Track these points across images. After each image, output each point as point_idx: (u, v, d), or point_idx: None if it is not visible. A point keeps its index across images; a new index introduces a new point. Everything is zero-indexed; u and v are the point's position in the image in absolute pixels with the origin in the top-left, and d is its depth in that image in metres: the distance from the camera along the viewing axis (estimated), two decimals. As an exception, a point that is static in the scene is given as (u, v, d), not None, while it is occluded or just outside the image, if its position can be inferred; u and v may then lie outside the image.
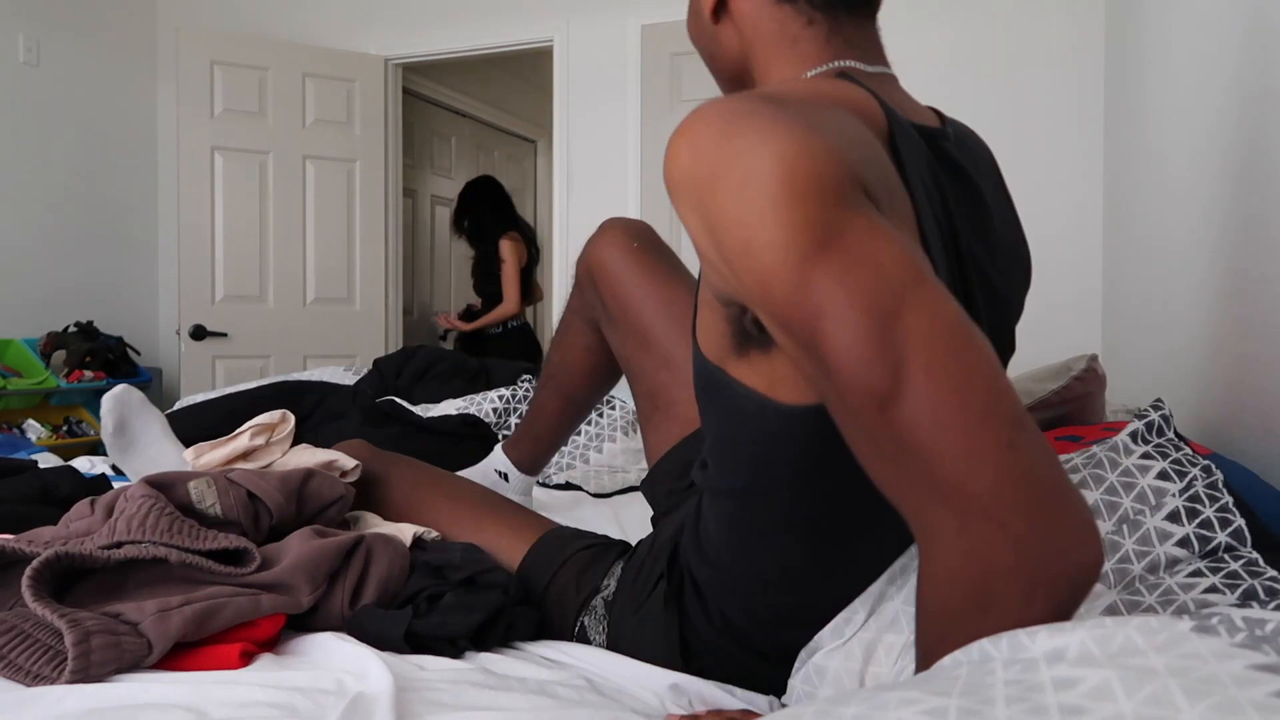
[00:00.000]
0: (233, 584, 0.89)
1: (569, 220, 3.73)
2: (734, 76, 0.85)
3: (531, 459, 1.50)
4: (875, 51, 0.82)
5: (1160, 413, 0.88)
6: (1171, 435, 0.86)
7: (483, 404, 2.04)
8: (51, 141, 3.78)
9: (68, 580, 0.86)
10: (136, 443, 1.41)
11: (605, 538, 1.07)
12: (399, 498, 1.20)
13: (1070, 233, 3.01)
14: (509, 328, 4.22)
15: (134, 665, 0.78)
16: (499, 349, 4.08)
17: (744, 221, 0.57)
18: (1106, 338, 2.87)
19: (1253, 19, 1.39)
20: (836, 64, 0.78)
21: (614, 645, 0.93)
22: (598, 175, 3.68)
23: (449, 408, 2.07)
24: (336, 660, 0.84)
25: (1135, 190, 2.42)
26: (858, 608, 0.79)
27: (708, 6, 0.83)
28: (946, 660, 0.53)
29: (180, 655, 0.82)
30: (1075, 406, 1.45)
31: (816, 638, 0.80)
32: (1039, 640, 0.54)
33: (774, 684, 0.86)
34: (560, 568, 1.01)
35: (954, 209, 0.75)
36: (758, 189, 0.57)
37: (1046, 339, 3.03)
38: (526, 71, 5.13)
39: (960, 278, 0.75)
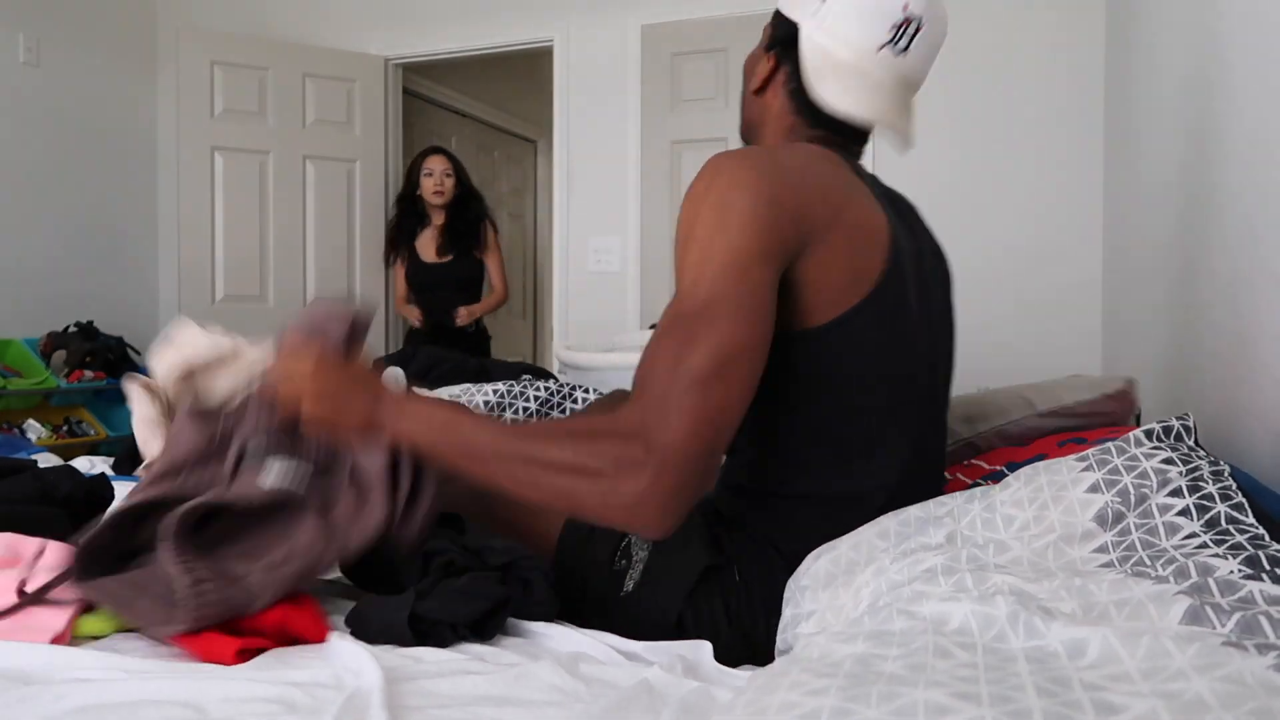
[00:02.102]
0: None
1: (569, 220, 3.73)
2: (750, 128, 1.19)
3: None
4: (849, 150, 1.13)
5: (1182, 421, 0.88)
6: (1191, 443, 0.86)
7: (475, 395, 2.03)
8: (51, 142, 3.78)
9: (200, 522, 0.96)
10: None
11: None
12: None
13: (1070, 233, 3.01)
14: (473, 329, 3.70)
15: (236, 614, 0.88)
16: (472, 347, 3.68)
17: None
18: (1106, 338, 2.87)
19: (1253, 18, 1.39)
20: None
21: (647, 575, 1.04)
22: (598, 175, 3.69)
23: (443, 394, 2.06)
24: (334, 656, 0.85)
25: (1135, 190, 2.42)
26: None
27: (755, 85, 1.15)
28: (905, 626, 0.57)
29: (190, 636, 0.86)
30: (1100, 420, 1.44)
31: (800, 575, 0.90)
32: (1054, 630, 0.55)
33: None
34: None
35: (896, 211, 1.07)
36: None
37: (1046, 339, 3.03)
38: (526, 71, 5.14)
39: (916, 265, 1.06)
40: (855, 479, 1.02)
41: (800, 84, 1.08)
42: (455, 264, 3.61)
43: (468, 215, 3.62)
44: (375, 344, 3.97)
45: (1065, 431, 1.41)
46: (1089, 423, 1.44)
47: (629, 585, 1.04)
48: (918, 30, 1.04)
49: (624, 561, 1.05)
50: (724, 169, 0.93)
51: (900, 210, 1.13)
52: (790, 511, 1.03)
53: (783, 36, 1.10)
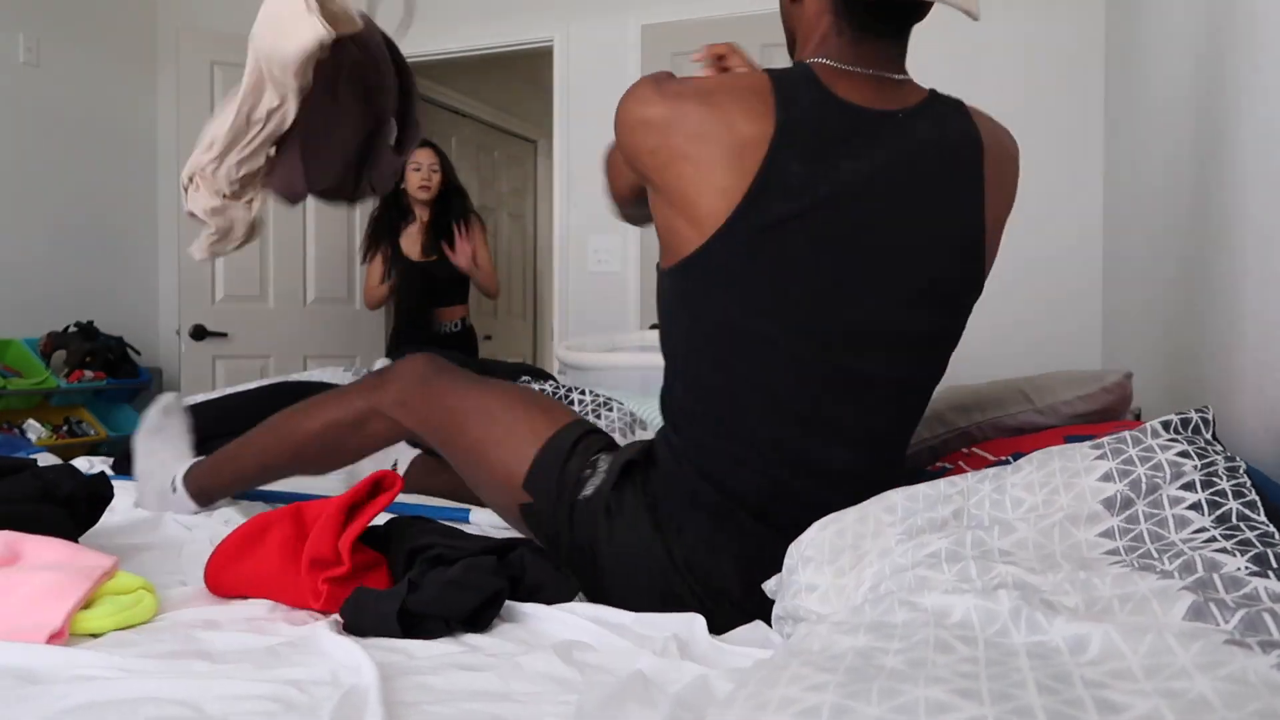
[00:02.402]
0: None
1: (569, 220, 3.73)
2: (790, 39, 1.21)
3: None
4: (879, 62, 1.09)
5: (1201, 414, 0.87)
6: (1209, 436, 0.85)
7: None
8: (51, 142, 3.78)
9: None
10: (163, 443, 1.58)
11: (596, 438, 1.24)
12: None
13: (1070, 233, 3.01)
14: (459, 328, 3.61)
15: None
16: (459, 347, 3.53)
17: None
18: (1106, 338, 2.87)
19: (1252, 18, 1.39)
20: (819, 59, 1.08)
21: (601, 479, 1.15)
22: (598, 175, 3.67)
23: None
24: (330, 654, 0.85)
25: (1135, 187, 2.42)
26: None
27: None
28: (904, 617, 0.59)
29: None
30: (1096, 418, 1.44)
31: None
32: (1056, 626, 0.55)
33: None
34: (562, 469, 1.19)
35: (844, 157, 1.04)
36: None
37: (1046, 339, 3.03)
38: (526, 71, 5.13)
39: (828, 200, 1.03)
40: (727, 435, 1.08)
41: None
42: (441, 263, 3.45)
43: (452, 213, 3.48)
44: (375, 344, 3.97)
45: (1066, 427, 1.41)
46: (1087, 420, 1.44)
47: (589, 490, 1.13)
48: None
49: (588, 471, 1.15)
50: (630, 88, 1.13)
51: (894, 164, 1.06)
52: (682, 427, 1.12)
53: None
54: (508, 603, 0.98)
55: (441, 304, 3.51)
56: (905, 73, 1.12)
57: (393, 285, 3.50)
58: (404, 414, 1.26)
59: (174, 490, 1.47)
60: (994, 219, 1.13)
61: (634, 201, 1.25)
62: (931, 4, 1.07)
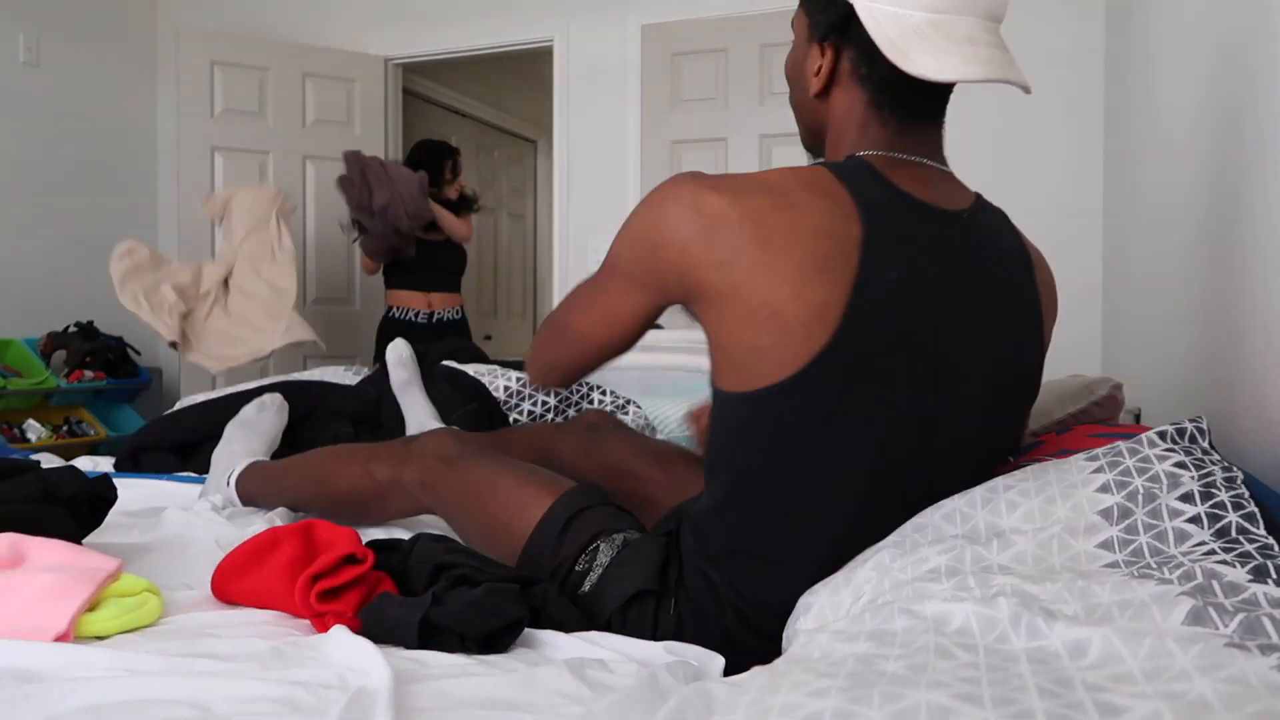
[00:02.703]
0: None
1: (569, 220, 3.73)
2: (815, 135, 1.08)
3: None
4: (925, 147, 1.00)
5: (1196, 423, 0.87)
6: (1205, 445, 0.85)
7: (499, 379, 2.14)
8: (51, 142, 3.78)
9: None
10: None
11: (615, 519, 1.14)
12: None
13: (1070, 233, 3.01)
14: (459, 315, 3.64)
15: None
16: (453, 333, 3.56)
17: None
18: (1106, 337, 2.88)
19: (1252, 17, 1.39)
20: (872, 151, 0.97)
21: (602, 580, 1.06)
22: (598, 175, 3.69)
23: (469, 369, 2.20)
24: (339, 655, 0.85)
25: (1134, 191, 2.43)
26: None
27: (813, 89, 1.02)
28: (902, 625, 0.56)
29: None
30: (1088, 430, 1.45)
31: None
32: (1056, 630, 0.55)
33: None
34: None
35: (929, 263, 0.93)
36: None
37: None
38: (526, 71, 5.14)
39: (919, 312, 0.92)
40: (782, 547, 0.97)
41: (872, 68, 0.95)
42: (442, 247, 3.50)
43: (455, 205, 3.53)
44: (374, 344, 3.97)
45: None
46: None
47: (586, 587, 1.05)
48: None
49: (586, 563, 1.07)
50: (661, 191, 0.95)
51: (960, 267, 0.95)
52: (725, 563, 1.00)
53: (834, 21, 0.97)
54: (526, 630, 0.98)
55: (435, 289, 3.53)
56: (947, 163, 1.03)
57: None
58: (424, 494, 1.28)
59: (229, 484, 1.59)
60: (1048, 338, 1.11)
61: (616, 350, 1.06)
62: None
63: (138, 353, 3.95)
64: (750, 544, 0.98)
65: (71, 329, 3.72)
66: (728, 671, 0.95)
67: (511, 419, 2.06)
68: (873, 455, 0.92)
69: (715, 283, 0.90)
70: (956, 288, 0.94)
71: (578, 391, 2.12)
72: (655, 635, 1.00)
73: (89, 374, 3.64)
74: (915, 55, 0.90)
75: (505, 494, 1.17)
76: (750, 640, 0.97)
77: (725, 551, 0.99)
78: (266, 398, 1.92)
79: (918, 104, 0.98)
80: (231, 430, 1.78)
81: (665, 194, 0.94)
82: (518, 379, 2.12)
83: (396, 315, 3.52)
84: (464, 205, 3.56)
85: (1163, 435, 0.84)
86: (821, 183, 0.92)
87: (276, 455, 1.84)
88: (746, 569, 0.98)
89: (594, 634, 0.99)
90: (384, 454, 1.35)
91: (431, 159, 3.49)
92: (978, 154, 3.12)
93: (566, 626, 1.00)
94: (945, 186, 1.00)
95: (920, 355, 0.92)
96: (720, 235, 0.89)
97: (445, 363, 2.20)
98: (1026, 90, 0.95)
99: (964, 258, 0.96)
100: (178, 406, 2.28)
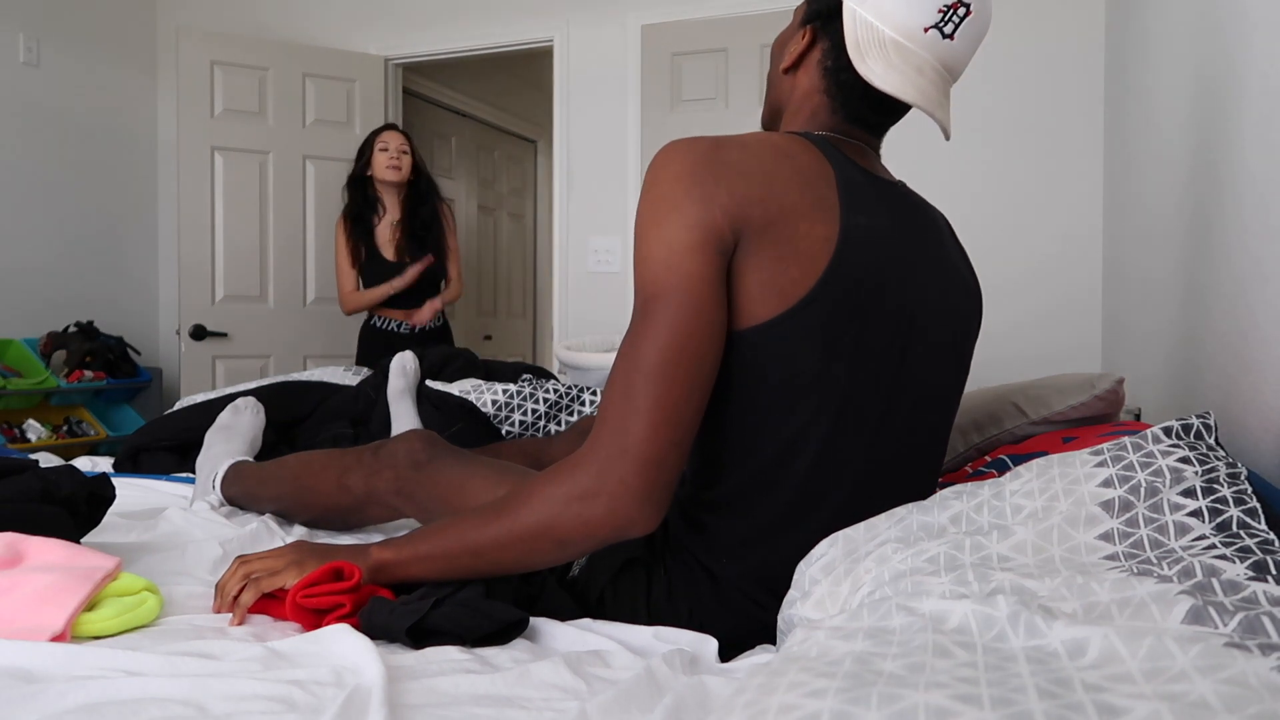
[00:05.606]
0: None
1: (569, 220, 3.73)
2: (774, 114, 1.18)
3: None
4: (866, 142, 1.10)
5: (1203, 419, 0.87)
6: (1210, 442, 0.85)
7: (484, 394, 2.07)
8: (51, 142, 3.78)
9: None
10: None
11: None
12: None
13: (1070, 233, 3.01)
14: (440, 322, 3.48)
15: None
16: (436, 342, 3.40)
17: None
18: (1106, 337, 2.88)
19: (1250, 17, 1.39)
20: (822, 133, 1.06)
21: (591, 558, 1.09)
22: (598, 175, 3.69)
23: (454, 389, 2.14)
24: (334, 653, 0.85)
25: (1135, 191, 2.42)
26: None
27: (786, 63, 1.12)
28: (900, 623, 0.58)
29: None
30: (1089, 423, 1.45)
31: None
32: (1055, 630, 0.55)
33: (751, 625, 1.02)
34: None
35: (885, 216, 1.01)
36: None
37: (1046, 339, 3.03)
38: (526, 71, 5.14)
39: (887, 256, 0.99)
40: (770, 504, 1.00)
41: (836, 62, 1.06)
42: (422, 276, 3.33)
43: (425, 209, 3.38)
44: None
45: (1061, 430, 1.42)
46: (1084, 425, 1.44)
47: (575, 570, 1.09)
48: (965, 15, 1.01)
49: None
50: (667, 161, 0.95)
51: (908, 225, 1.05)
52: (709, 523, 1.03)
53: (823, 10, 1.07)
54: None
55: (416, 304, 3.37)
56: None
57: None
58: (401, 501, 1.30)
59: (214, 488, 1.60)
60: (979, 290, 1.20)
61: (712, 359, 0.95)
62: (908, 109, 1.08)
63: (138, 353, 3.96)
64: (731, 497, 1.02)
65: (71, 329, 3.73)
66: (725, 636, 0.99)
67: (504, 431, 2.02)
68: (866, 381, 0.98)
69: (758, 217, 0.92)
70: (910, 239, 1.04)
71: (568, 394, 2.10)
72: (649, 602, 1.03)
73: (89, 374, 3.64)
74: (870, 61, 1.01)
75: (478, 493, 1.19)
76: (737, 598, 1.01)
77: (708, 506, 1.03)
78: (240, 401, 1.91)
79: (864, 110, 1.07)
80: (211, 436, 1.79)
81: (681, 152, 0.95)
82: (504, 391, 2.06)
83: (378, 325, 3.39)
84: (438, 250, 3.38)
85: (1168, 431, 0.84)
86: (797, 141, 1.01)
87: (276, 455, 1.84)
88: (729, 522, 1.02)
89: (589, 621, 1.01)
90: (356, 465, 1.35)
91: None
92: (978, 155, 3.12)
93: (562, 614, 1.02)
94: (882, 169, 1.12)
95: (893, 294, 0.99)
96: (751, 175, 0.94)
97: (430, 383, 2.15)
98: (946, 135, 1.07)
99: (908, 216, 1.06)
100: (178, 406, 2.28)
